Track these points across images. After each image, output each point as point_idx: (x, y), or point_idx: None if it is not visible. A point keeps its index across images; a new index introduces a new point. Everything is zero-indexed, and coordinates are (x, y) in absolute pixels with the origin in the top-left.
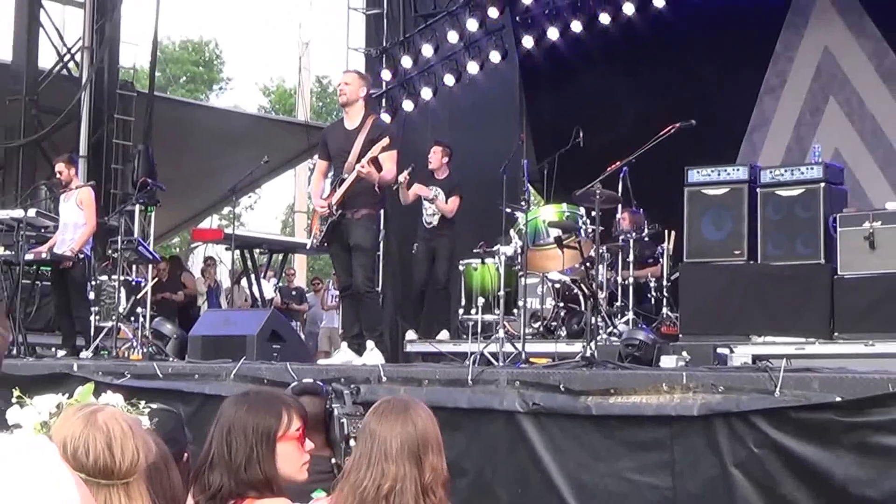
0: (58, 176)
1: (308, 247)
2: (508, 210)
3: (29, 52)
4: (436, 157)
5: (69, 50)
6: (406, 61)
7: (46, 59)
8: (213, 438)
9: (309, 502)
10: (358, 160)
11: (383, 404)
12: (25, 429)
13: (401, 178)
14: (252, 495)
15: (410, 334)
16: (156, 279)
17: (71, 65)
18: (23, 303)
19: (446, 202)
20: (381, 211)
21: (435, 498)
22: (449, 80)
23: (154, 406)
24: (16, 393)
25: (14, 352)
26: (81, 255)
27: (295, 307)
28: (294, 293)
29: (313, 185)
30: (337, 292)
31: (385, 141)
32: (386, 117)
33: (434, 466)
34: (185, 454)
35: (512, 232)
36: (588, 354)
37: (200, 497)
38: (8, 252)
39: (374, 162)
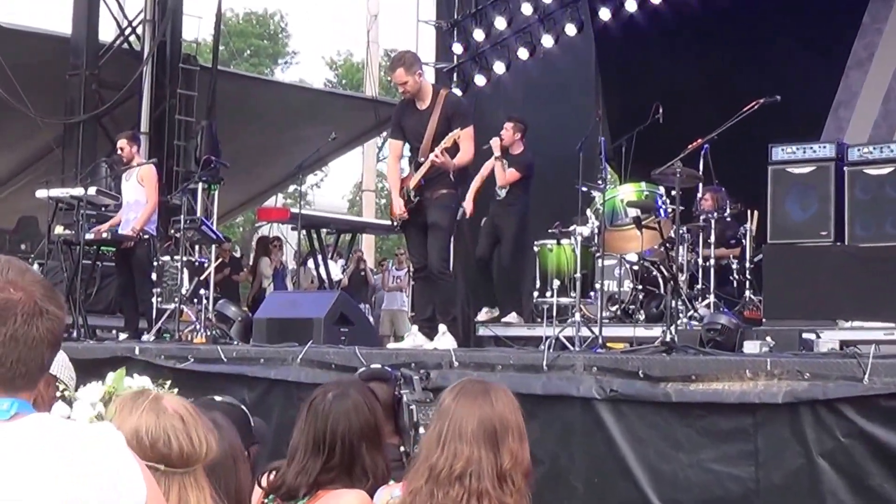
0: (119, 153)
1: (395, 226)
2: (585, 189)
3: (89, 26)
4: (507, 134)
5: (130, 23)
6: (478, 34)
7: (107, 32)
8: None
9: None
10: (433, 140)
11: (462, 383)
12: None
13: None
14: (329, 487)
15: (482, 313)
16: (219, 260)
17: (132, 38)
18: (83, 284)
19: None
20: (460, 191)
21: (513, 486)
22: (522, 53)
23: (218, 399)
24: (60, 387)
25: (74, 334)
26: (145, 235)
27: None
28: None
29: (390, 169)
30: (398, 272)
31: (456, 132)
32: (457, 92)
33: (513, 452)
34: (248, 452)
35: (588, 212)
36: (668, 339)
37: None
38: (68, 231)
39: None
